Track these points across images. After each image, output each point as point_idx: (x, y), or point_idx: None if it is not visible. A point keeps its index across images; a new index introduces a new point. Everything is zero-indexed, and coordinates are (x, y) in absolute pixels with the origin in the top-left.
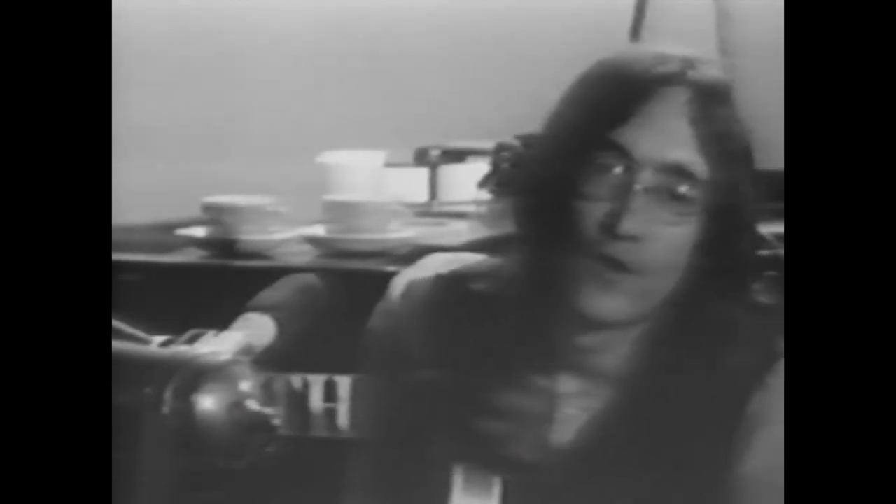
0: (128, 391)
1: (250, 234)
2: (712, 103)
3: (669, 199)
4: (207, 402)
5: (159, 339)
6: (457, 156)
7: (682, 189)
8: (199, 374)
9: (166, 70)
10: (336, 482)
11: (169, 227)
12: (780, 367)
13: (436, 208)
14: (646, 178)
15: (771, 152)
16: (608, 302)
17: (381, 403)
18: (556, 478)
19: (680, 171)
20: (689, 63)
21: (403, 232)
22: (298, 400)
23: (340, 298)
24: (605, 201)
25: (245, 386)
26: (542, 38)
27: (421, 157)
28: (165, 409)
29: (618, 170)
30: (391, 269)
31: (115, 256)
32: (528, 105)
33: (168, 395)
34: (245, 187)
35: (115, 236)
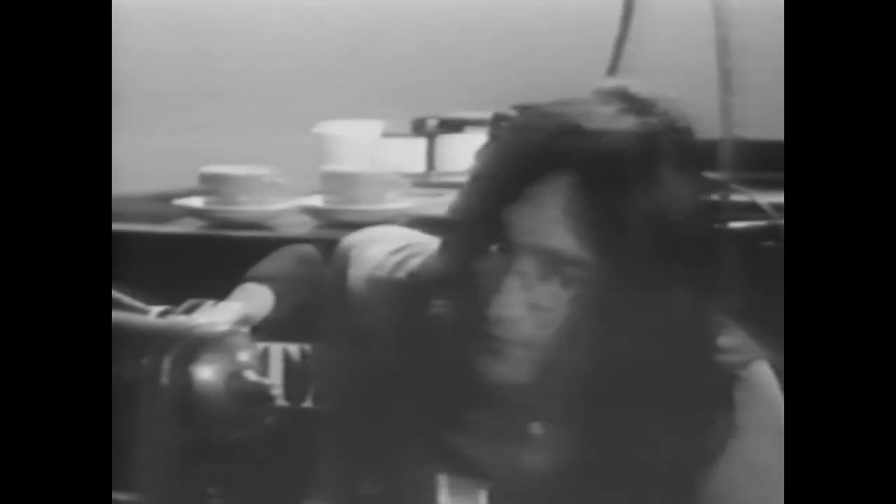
0: (126, 362)
1: (248, 205)
2: (599, 186)
3: (547, 282)
4: (206, 373)
5: (157, 309)
6: (454, 126)
7: (562, 271)
8: (197, 345)
9: (164, 40)
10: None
11: (166, 198)
12: (746, 380)
13: (433, 179)
14: (523, 262)
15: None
16: (495, 368)
17: (345, 392)
18: (533, 491)
19: (559, 257)
20: (587, 135)
21: (401, 202)
22: (297, 370)
23: None
24: (484, 281)
25: (243, 356)
26: (539, 11)
27: (418, 128)
28: (164, 380)
29: (498, 250)
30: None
31: (114, 227)
32: (526, 75)
33: (166, 365)
34: (243, 158)
35: (113, 207)
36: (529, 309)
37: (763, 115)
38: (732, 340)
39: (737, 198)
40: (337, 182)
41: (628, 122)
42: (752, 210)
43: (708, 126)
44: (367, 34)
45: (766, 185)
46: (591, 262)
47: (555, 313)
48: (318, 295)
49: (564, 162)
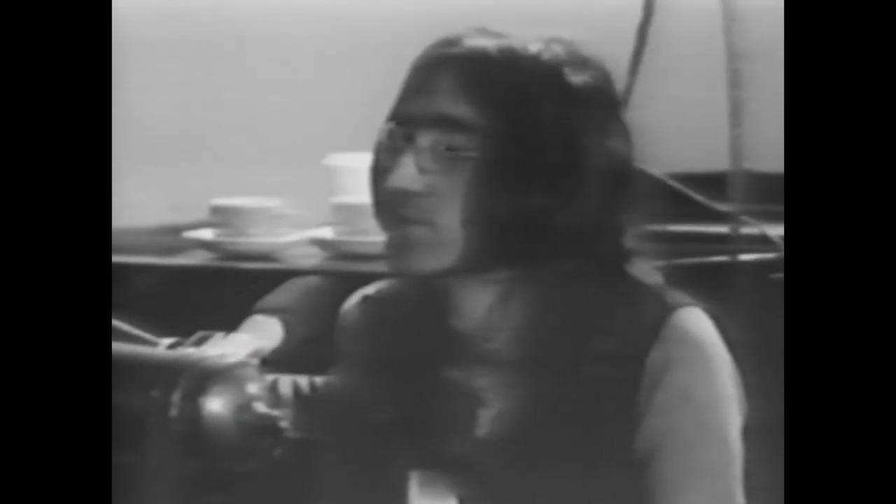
0: (135, 394)
1: (258, 237)
2: (486, 63)
3: (443, 152)
4: (215, 405)
5: (167, 341)
6: None
7: (454, 140)
8: (206, 377)
9: (174, 74)
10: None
11: (176, 230)
12: (676, 319)
13: None
14: (418, 135)
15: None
16: (413, 257)
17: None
18: (486, 469)
19: (449, 123)
20: (479, 31)
21: None
22: (306, 402)
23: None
24: (382, 158)
25: (252, 388)
26: None
27: None
28: (173, 412)
29: (395, 126)
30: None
31: (124, 259)
32: None
33: (175, 397)
34: (252, 190)
35: (122, 239)
36: (423, 181)
37: (773, 146)
38: (659, 290)
39: (746, 230)
40: (347, 214)
41: (537, 47)
42: (761, 242)
43: (717, 158)
44: (377, 65)
45: (777, 218)
46: (483, 128)
47: (447, 187)
48: (327, 326)
49: (461, 48)
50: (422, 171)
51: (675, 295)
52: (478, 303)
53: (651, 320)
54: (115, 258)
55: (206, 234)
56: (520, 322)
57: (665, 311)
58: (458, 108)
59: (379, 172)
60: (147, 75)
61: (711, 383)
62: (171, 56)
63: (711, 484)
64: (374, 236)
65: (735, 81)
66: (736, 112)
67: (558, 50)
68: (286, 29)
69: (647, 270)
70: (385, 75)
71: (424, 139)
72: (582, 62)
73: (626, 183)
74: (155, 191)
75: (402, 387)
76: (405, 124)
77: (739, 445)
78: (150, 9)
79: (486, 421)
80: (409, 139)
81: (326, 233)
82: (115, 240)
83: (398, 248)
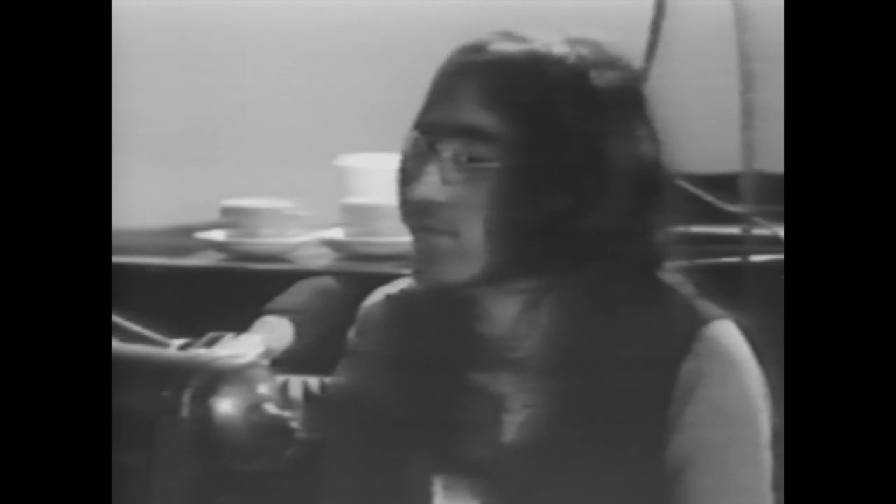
0: (146, 394)
1: (269, 237)
2: (510, 69)
3: (465, 162)
4: (225, 406)
5: (178, 342)
6: None
7: (477, 150)
8: (217, 378)
9: (185, 74)
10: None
11: (187, 231)
12: (709, 331)
13: None
14: (441, 145)
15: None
16: (438, 267)
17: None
18: (511, 475)
19: (472, 133)
20: (504, 35)
21: None
22: (316, 403)
23: (358, 301)
24: (407, 166)
25: (263, 389)
26: None
27: None
28: (183, 413)
29: (420, 134)
30: (409, 272)
31: (134, 260)
32: None
33: (186, 398)
34: (264, 190)
35: (133, 240)
36: (447, 192)
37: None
38: (691, 301)
39: (757, 231)
40: (358, 215)
41: (563, 49)
42: (772, 244)
43: (729, 159)
44: (388, 66)
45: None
46: (506, 137)
47: (471, 198)
48: (338, 327)
49: (484, 55)
50: (445, 181)
51: (707, 306)
52: (504, 311)
53: (683, 331)
54: (126, 259)
55: (217, 234)
56: (547, 328)
57: (698, 323)
58: (481, 117)
59: (404, 181)
60: (157, 75)
61: (743, 398)
62: (182, 55)
63: (742, 498)
64: (384, 237)
65: (747, 83)
66: (747, 113)
67: (584, 51)
68: (297, 28)
69: (676, 275)
70: (396, 76)
71: (447, 149)
72: (609, 63)
73: (655, 185)
74: (165, 192)
75: (424, 389)
76: (429, 133)
77: (770, 459)
78: (154, 5)
79: (512, 427)
80: (433, 148)
81: (337, 234)
82: (126, 241)
83: (423, 257)
